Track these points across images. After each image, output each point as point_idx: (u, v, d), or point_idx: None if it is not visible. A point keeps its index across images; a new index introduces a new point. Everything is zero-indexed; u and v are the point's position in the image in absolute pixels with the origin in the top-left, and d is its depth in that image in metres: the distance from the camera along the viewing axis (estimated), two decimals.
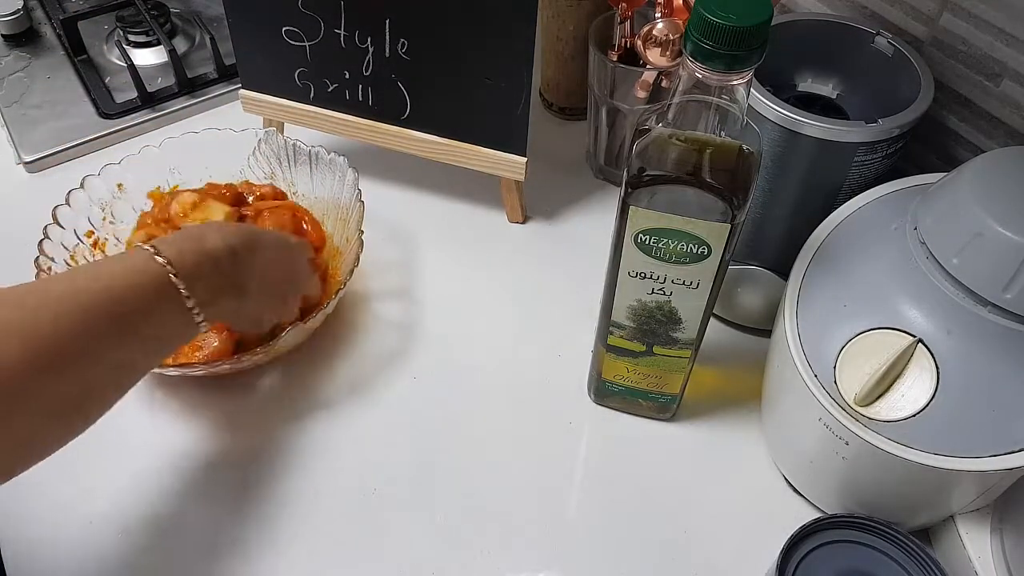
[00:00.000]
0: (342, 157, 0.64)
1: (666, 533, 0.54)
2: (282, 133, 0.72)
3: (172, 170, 0.67)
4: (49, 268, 0.58)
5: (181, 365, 0.56)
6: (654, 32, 0.64)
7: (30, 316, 0.40)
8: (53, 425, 0.42)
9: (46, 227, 0.60)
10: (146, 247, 0.47)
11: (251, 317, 0.54)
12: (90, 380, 0.43)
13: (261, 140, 0.67)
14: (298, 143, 0.65)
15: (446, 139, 0.68)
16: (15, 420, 0.39)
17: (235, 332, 0.59)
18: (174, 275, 0.46)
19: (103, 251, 0.63)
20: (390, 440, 0.58)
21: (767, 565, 0.48)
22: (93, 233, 0.63)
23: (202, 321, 0.48)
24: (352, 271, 0.59)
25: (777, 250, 0.58)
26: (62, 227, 0.61)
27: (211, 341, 0.58)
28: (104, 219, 0.64)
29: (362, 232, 0.60)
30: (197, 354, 0.58)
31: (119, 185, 0.65)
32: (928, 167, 0.59)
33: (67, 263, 0.60)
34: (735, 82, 0.40)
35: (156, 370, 0.56)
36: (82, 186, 0.63)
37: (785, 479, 0.56)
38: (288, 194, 0.67)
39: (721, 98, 0.40)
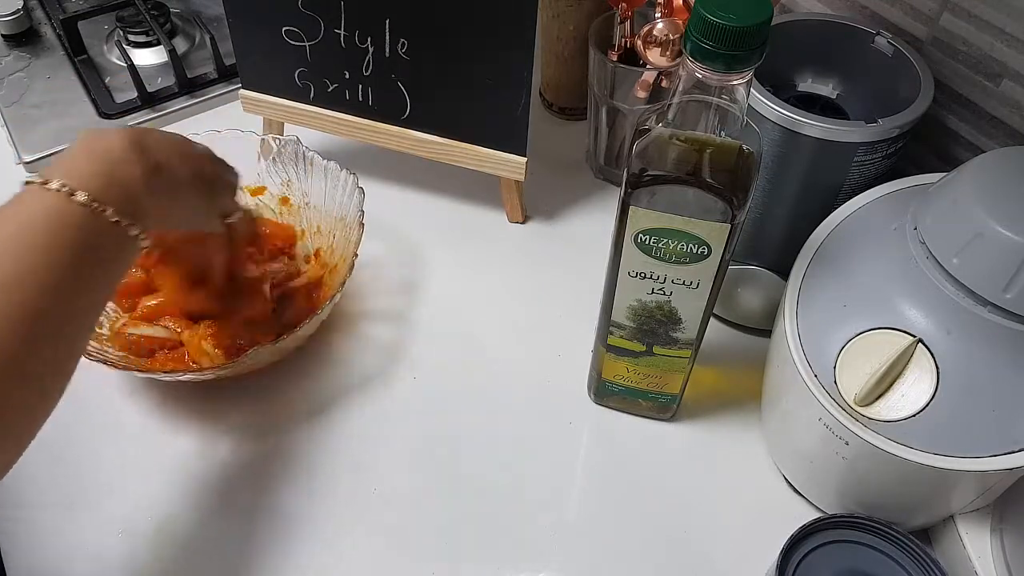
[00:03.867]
0: (353, 175, 0.64)
1: (666, 533, 0.54)
2: (282, 133, 0.72)
3: None
4: None
5: (183, 370, 0.56)
6: (654, 32, 0.64)
7: None
8: (30, 396, 0.39)
9: None
10: (33, 179, 0.41)
11: (192, 211, 0.50)
12: (49, 339, 0.39)
13: (281, 147, 0.66)
14: (315, 156, 0.65)
15: (446, 139, 0.68)
16: None
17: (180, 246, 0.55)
18: (76, 195, 0.40)
19: None
20: (390, 440, 0.58)
21: (767, 565, 0.48)
22: None
23: (138, 230, 0.43)
24: (343, 284, 0.58)
25: (777, 250, 0.58)
26: None
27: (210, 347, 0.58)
28: None
29: (356, 256, 0.60)
30: (204, 351, 0.58)
31: None
32: (928, 167, 0.59)
33: None
34: (735, 82, 0.40)
35: (159, 375, 0.56)
36: None
37: (785, 479, 0.56)
38: (301, 204, 0.67)
39: (721, 98, 0.40)
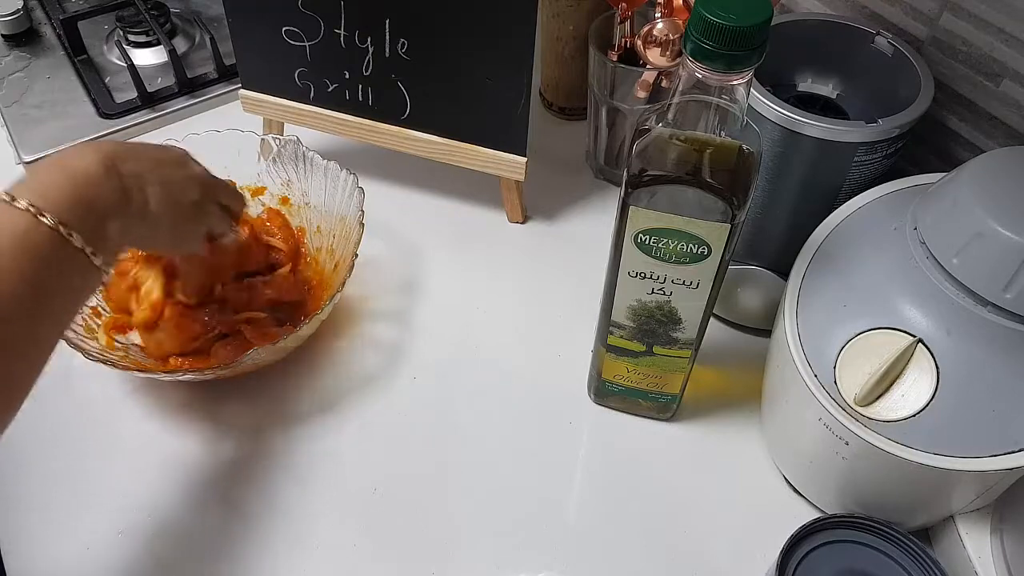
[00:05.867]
0: (353, 175, 0.64)
1: (666, 533, 0.54)
2: (282, 133, 0.72)
3: None
4: None
5: (183, 370, 0.56)
6: (654, 32, 0.64)
7: None
8: None
9: None
10: (1, 195, 0.39)
11: (168, 235, 0.48)
12: (4, 351, 0.38)
13: (281, 147, 0.66)
14: (315, 156, 0.65)
15: (446, 139, 0.68)
16: None
17: (165, 257, 0.55)
18: (44, 217, 0.39)
19: None
20: (390, 440, 0.58)
21: (767, 565, 0.48)
22: None
23: (102, 259, 0.42)
24: (342, 284, 0.58)
25: (777, 250, 0.58)
26: None
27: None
28: None
29: (356, 256, 0.60)
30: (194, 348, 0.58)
31: None
32: (928, 167, 0.59)
33: None
34: (735, 82, 0.40)
35: (158, 375, 0.56)
36: None
37: (785, 479, 0.56)
38: (301, 204, 0.67)
39: (721, 98, 0.40)
